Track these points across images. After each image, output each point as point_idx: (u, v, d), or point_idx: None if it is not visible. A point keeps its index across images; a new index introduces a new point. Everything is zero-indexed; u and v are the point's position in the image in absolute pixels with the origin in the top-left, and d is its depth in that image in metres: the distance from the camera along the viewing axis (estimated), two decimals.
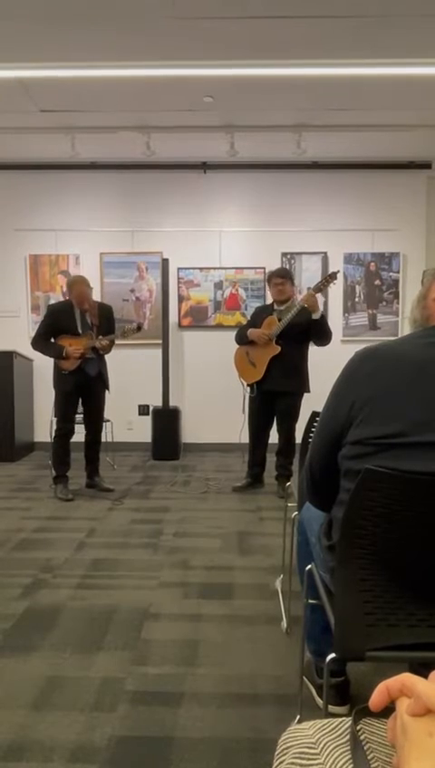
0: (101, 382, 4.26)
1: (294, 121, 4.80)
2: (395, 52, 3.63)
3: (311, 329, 3.99)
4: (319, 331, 4.01)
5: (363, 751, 0.63)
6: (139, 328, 4.32)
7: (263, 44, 3.56)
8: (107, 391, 4.34)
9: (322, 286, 3.97)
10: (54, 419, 4.26)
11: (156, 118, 4.73)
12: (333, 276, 3.97)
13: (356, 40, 3.50)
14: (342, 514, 1.18)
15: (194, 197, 5.84)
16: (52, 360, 4.18)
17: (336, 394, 1.31)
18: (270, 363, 4.08)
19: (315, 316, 3.95)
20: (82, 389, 4.16)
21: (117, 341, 4.30)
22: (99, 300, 5.10)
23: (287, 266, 5.76)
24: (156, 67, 3.81)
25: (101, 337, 4.13)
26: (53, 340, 4.14)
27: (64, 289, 5.86)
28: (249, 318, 4.57)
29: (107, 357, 4.30)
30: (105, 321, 4.25)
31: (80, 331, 4.11)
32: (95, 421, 4.33)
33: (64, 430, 4.16)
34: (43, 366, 4.23)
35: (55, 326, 4.11)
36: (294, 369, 4.08)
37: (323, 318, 4.03)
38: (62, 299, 5.59)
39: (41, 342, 4.13)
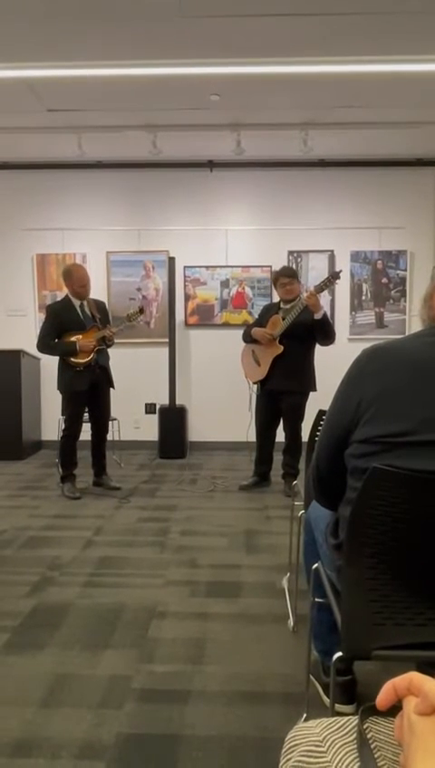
0: (106, 381, 4.27)
1: (301, 119, 4.78)
2: (402, 48, 3.61)
3: (314, 328, 3.98)
4: (322, 331, 4.00)
5: (370, 749, 0.63)
6: (141, 310, 4.35)
7: (269, 42, 3.55)
8: (112, 389, 4.35)
9: (324, 285, 3.94)
10: (62, 419, 4.26)
11: (162, 117, 4.73)
12: (336, 276, 3.95)
13: (363, 37, 3.48)
14: (349, 513, 1.18)
15: (200, 196, 5.84)
16: (58, 365, 4.15)
17: (343, 392, 1.31)
18: (274, 362, 4.08)
19: (317, 316, 3.92)
20: (91, 389, 4.16)
21: (120, 335, 4.31)
22: (104, 299, 5.12)
23: (293, 265, 5.75)
24: (162, 66, 3.81)
25: (109, 325, 4.17)
26: (57, 340, 4.12)
27: None
28: (257, 316, 4.57)
29: (110, 353, 4.31)
30: (103, 315, 4.27)
31: (85, 325, 4.12)
32: (103, 420, 4.34)
33: (72, 430, 4.16)
34: (51, 365, 4.23)
35: (59, 325, 4.09)
36: (297, 368, 4.06)
37: (326, 317, 4.01)
38: None
39: (48, 344, 4.09)
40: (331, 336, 4.06)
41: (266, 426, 4.29)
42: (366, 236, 5.81)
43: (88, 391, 4.14)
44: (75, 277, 4.11)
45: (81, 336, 4.07)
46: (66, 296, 4.23)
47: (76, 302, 4.15)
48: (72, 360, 4.05)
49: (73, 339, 4.05)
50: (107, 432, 4.40)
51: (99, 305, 4.31)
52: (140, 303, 4.45)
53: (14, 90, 4.17)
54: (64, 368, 4.11)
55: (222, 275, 5.88)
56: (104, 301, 4.68)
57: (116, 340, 4.31)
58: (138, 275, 5.91)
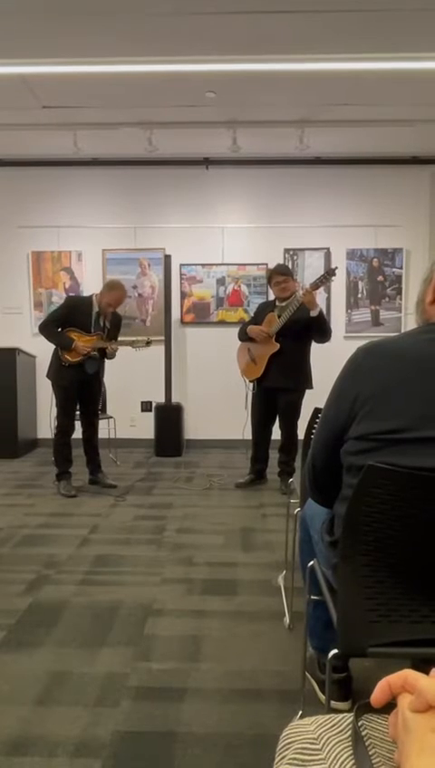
0: (97, 380, 4.28)
1: (297, 117, 4.78)
2: (398, 46, 3.61)
3: (310, 326, 3.98)
4: (318, 329, 4.00)
5: (365, 746, 0.63)
6: (148, 344, 4.36)
7: (265, 40, 3.55)
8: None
9: (320, 282, 3.94)
10: (54, 416, 4.25)
11: (158, 114, 4.72)
12: (331, 272, 3.95)
13: (359, 34, 3.48)
14: (344, 511, 1.18)
15: (196, 194, 5.83)
16: (52, 354, 4.17)
17: (338, 390, 1.31)
18: (270, 360, 4.08)
19: (313, 313, 3.92)
20: (80, 385, 4.17)
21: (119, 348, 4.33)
22: None
23: (290, 263, 5.76)
24: (158, 63, 3.80)
25: (115, 341, 4.19)
26: (60, 329, 4.12)
27: (67, 286, 5.88)
28: (253, 314, 4.57)
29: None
30: (114, 328, 4.28)
31: (91, 330, 4.13)
32: (92, 418, 4.34)
33: (65, 427, 4.17)
34: (47, 362, 4.22)
35: (69, 318, 4.09)
36: (294, 366, 4.07)
37: (322, 315, 4.01)
38: (64, 296, 5.59)
39: (50, 328, 4.08)
40: (327, 333, 4.06)
41: (263, 423, 4.29)
42: (362, 234, 5.81)
43: (78, 387, 4.15)
44: (113, 295, 4.11)
45: (81, 337, 4.07)
46: (90, 297, 4.24)
47: (95, 308, 4.16)
48: (63, 354, 4.07)
49: (73, 336, 4.05)
50: (97, 429, 4.39)
51: (115, 318, 4.31)
52: (148, 338, 4.48)
53: (9, 86, 4.16)
54: (55, 359, 4.15)
55: (218, 273, 5.87)
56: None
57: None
58: (134, 273, 5.90)
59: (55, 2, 3.16)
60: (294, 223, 5.81)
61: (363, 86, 4.18)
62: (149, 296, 5.92)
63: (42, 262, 5.90)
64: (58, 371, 4.12)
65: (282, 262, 5.56)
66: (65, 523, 3.49)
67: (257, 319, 4.26)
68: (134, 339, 4.34)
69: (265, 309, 4.28)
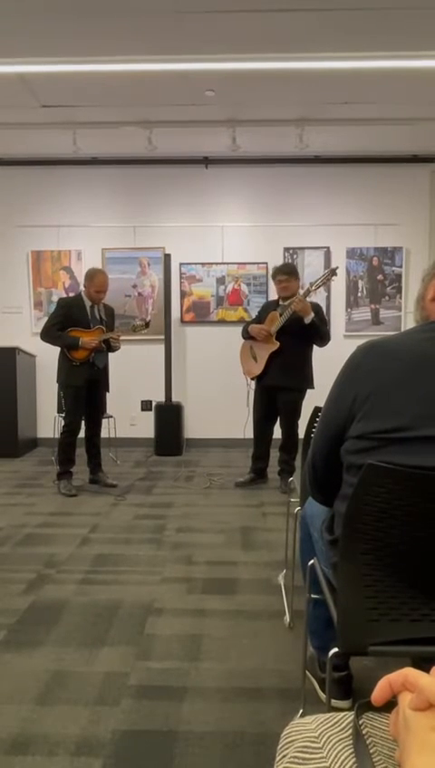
0: (105, 378, 4.29)
1: (297, 115, 4.77)
2: (398, 45, 3.60)
3: (307, 330, 3.98)
4: (313, 334, 4.00)
5: (366, 745, 0.63)
6: (147, 324, 4.36)
7: (264, 38, 3.54)
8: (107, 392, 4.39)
9: (320, 282, 3.94)
10: (61, 416, 4.25)
11: (157, 112, 4.71)
12: (332, 272, 3.93)
13: (359, 33, 3.47)
14: (344, 509, 1.18)
15: (196, 193, 5.83)
16: (56, 357, 4.18)
17: (338, 389, 1.31)
18: (270, 359, 4.08)
19: (306, 320, 3.92)
20: (90, 384, 4.18)
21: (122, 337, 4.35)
22: None
23: (290, 261, 5.75)
24: (157, 62, 3.79)
25: (117, 330, 4.21)
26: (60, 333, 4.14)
27: (66, 285, 5.88)
28: (254, 313, 4.56)
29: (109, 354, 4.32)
30: (110, 320, 4.30)
31: (91, 325, 4.14)
32: (98, 416, 4.36)
33: (73, 426, 4.17)
34: (47, 361, 4.23)
35: (67, 319, 4.11)
36: (294, 365, 4.06)
37: (316, 321, 3.97)
38: (64, 295, 5.60)
39: (52, 332, 4.10)
40: (324, 338, 4.06)
41: (263, 422, 4.29)
42: (362, 233, 5.81)
43: (85, 387, 4.15)
44: (96, 281, 4.12)
45: (84, 334, 4.08)
46: (79, 294, 4.26)
47: (88, 303, 4.17)
48: (71, 354, 4.08)
49: (78, 334, 4.07)
50: (100, 428, 4.40)
51: (108, 310, 4.33)
52: (148, 317, 4.46)
53: (8, 85, 4.15)
54: (63, 361, 4.16)
55: (218, 272, 5.87)
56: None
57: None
58: (133, 272, 5.90)
59: (55, 1, 3.16)
60: (293, 222, 5.80)
61: (363, 85, 4.17)
62: (148, 295, 5.91)
63: (41, 261, 5.90)
64: (69, 372, 4.12)
65: (282, 261, 5.55)
66: (65, 523, 3.49)
67: (261, 317, 4.26)
68: (133, 324, 4.36)
69: (269, 307, 4.28)
